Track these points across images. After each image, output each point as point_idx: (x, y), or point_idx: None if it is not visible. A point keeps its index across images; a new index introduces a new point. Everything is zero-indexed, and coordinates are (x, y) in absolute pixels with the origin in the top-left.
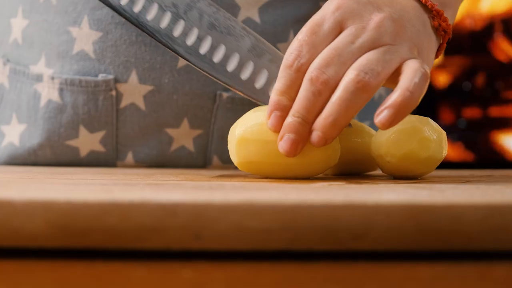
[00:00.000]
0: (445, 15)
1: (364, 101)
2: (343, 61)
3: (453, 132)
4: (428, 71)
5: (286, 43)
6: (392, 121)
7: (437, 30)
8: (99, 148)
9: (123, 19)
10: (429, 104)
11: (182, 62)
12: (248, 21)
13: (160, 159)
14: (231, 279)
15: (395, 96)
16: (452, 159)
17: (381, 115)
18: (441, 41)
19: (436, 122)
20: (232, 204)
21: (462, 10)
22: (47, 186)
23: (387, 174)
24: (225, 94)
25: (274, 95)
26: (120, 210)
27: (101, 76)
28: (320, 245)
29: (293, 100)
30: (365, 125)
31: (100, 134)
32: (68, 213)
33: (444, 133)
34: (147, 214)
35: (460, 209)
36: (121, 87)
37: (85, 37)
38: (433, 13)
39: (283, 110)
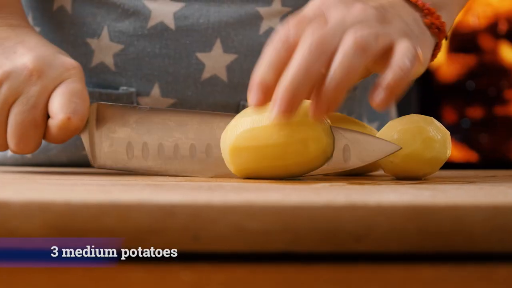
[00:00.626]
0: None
1: (364, 63)
2: (337, 34)
3: (456, 132)
4: (420, 52)
5: None
6: (386, 102)
7: (430, 28)
8: None
9: (145, 31)
10: (433, 103)
11: (206, 74)
12: (270, 31)
13: None
14: (230, 281)
15: (387, 76)
16: (456, 159)
17: (376, 97)
18: (437, 40)
19: (440, 122)
20: (231, 205)
21: (466, 8)
22: (44, 187)
23: (389, 174)
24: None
25: (259, 71)
26: (118, 211)
27: (122, 89)
28: (320, 246)
29: (277, 79)
30: (367, 125)
31: None
32: (65, 214)
33: (448, 133)
34: (145, 215)
35: (462, 210)
36: (143, 101)
37: (104, 49)
38: (425, 12)
39: (268, 87)
